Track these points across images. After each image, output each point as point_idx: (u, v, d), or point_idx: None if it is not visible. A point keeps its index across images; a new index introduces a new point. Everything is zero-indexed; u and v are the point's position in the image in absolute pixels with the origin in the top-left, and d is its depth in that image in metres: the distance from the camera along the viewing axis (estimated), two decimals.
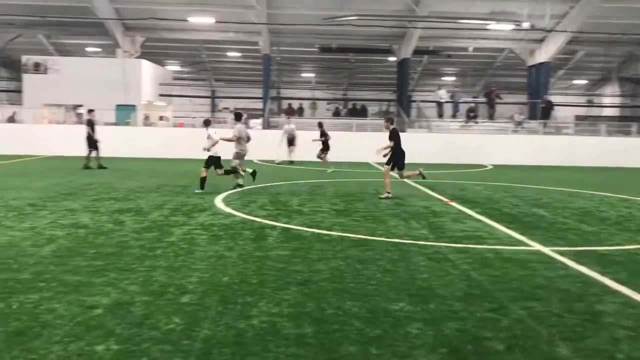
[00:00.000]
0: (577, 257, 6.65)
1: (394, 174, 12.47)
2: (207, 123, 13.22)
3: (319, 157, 19.98)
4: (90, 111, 18.68)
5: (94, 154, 17.82)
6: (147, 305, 4.54)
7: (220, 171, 12.69)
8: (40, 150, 24.22)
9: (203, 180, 12.28)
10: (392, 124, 12.39)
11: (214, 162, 12.44)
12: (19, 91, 31.64)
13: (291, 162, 21.70)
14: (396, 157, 12.04)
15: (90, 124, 18.16)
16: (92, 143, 17.83)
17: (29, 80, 28.97)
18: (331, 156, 24.60)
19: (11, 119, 28.59)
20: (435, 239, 7.59)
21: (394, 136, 12.04)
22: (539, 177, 18.66)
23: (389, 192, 11.85)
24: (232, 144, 12.94)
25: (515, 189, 14.36)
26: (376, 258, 6.35)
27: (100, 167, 17.59)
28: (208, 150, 12.38)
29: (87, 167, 17.49)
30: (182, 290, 4.95)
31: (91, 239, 7.00)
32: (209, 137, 12.37)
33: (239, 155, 12.99)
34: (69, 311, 4.35)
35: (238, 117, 13.76)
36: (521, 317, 4.49)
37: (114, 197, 11.01)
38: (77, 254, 6.21)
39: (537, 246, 7.26)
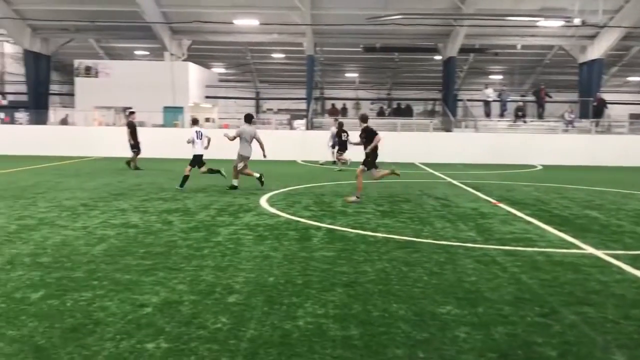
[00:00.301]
0: (633, 261, 6.41)
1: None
2: (194, 122, 13.78)
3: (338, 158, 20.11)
4: (131, 113, 19.12)
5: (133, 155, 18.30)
6: (195, 304, 4.61)
7: (203, 169, 13.15)
8: (92, 151, 24.96)
9: (185, 179, 12.73)
10: (365, 121, 11.83)
11: (197, 160, 12.94)
12: (71, 94, 32.76)
13: (334, 163, 21.60)
14: (372, 157, 11.49)
15: (131, 126, 18.60)
16: (134, 145, 18.27)
17: (80, 83, 29.93)
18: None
19: (64, 122, 29.59)
20: (484, 241, 7.45)
21: (370, 134, 11.43)
22: (591, 178, 18.08)
23: (358, 197, 11.15)
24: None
25: (567, 190, 13.96)
26: (422, 260, 6.27)
27: (137, 168, 18.00)
28: (206, 148, 13.15)
29: (136, 168, 17.94)
30: (228, 290, 5.01)
31: (141, 239, 7.16)
32: (198, 136, 12.99)
33: (240, 157, 12.81)
34: (120, 309, 4.46)
35: (247, 118, 13.36)
36: (574, 322, 4.35)
37: (163, 198, 11.24)
38: (128, 253, 6.36)
39: (590, 249, 7.04)
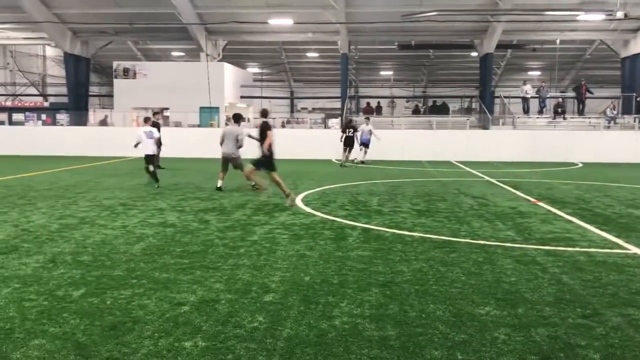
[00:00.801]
0: None
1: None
2: (145, 120, 14.57)
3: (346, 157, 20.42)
4: (155, 113, 19.31)
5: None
6: (231, 303, 4.64)
7: (151, 167, 13.53)
8: (130, 151, 25.38)
9: (152, 174, 13.39)
10: (265, 116, 11.32)
11: (148, 159, 13.49)
12: (110, 95, 33.49)
13: (362, 162, 21.46)
14: (266, 157, 10.59)
15: (155, 125, 18.80)
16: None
17: (119, 85, 30.56)
18: (411, 155, 24.32)
19: (103, 122, 30.24)
20: (523, 240, 7.30)
21: (264, 131, 10.67)
22: (635, 175, 17.55)
23: (287, 192, 10.45)
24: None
25: (609, 189, 13.58)
26: (460, 260, 6.18)
27: (159, 167, 18.19)
28: (159, 146, 14.18)
29: (159, 167, 18.18)
30: (265, 289, 5.03)
31: (178, 238, 7.26)
32: (148, 136, 13.53)
33: (222, 155, 12.62)
34: (158, 307, 4.52)
35: (235, 118, 12.92)
36: (618, 324, 4.22)
37: (199, 197, 11.37)
38: (165, 252, 6.45)
39: (634, 249, 6.82)
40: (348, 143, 20.27)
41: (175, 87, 28.96)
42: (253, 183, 11.43)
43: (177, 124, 28.41)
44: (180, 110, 27.84)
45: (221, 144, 12.71)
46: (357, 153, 21.20)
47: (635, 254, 6.60)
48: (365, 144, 21.15)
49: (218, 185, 12.57)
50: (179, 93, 28.79)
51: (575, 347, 3.80)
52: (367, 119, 23.15)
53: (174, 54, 37.41)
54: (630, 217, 9.31)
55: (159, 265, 5.82)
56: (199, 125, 28.23)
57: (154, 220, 8.54)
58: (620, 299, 4.85)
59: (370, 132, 21.28)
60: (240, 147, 12.62)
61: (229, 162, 12.68)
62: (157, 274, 5.51)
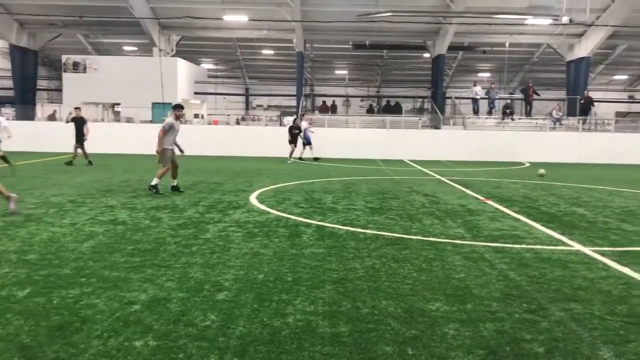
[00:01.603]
0: (620, 257, 6.47)
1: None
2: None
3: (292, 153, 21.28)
4: (76, 108, 18.86)
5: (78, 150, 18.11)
6: (183, 301, 4.59)
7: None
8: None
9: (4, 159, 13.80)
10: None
11: None
12: (59, 90, 32.49)
13: (315, 159, 21.87)
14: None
15: (79, 120, 18.38)
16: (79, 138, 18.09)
17: (68, 79, 29.70)
18: (366, 153, 24.58)
19: (52, 117, 29.34)
20: (472, 238, 7.48)
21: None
22: (578, 175, 18.23)
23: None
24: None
25: (554, 187, 14.06)
26: (412, 257, 6.29)
27: (70, 163, 17.82)
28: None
29: (90, 163, 17.82)
30: (217, 287, 4.99)
31: (129, 236, 7.12)
32: None
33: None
34: (108, 306, 4.43)
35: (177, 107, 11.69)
36: (561, 319, 4.39)
37: (151, 194, 11.17)
38: (116, 250, 6.32)
39: (577, 246, 7.09)
40: (292, 141, 21.43)
41: (127, 82, 28.36)
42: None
43: (129, 120, 27.83)
44: (132, 106, 27.29)
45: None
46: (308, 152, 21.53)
47: (578, 250, 6.86)
48: (308, 142, 21.89)
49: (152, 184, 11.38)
50: (131, 88, 28.21)
51: (521, 341, 3.93)
52: (302, 115, 23.62)
53: (126, 48, 36.58)
54: (574, 215, 9.67)
55: (109, 264, 5.70)
56: (151, 121, 27.72)
57: (104, 218, 8.35)
58: (563, 294, 5.03)
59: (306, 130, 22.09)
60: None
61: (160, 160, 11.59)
62: (107, 272, 5.39)
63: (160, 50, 29.68)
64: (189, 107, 32.15)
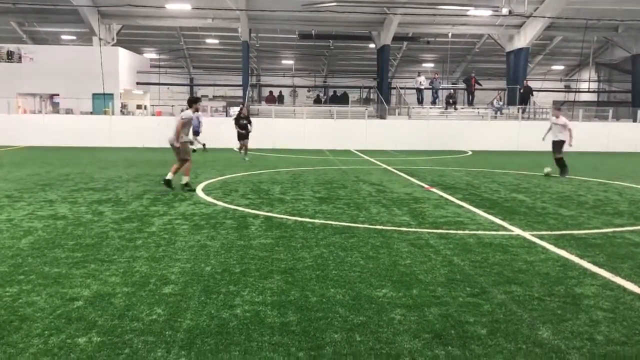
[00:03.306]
0: (557, 241, 6.74)
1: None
2: None
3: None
4: None
5: None
6: (128, 296, 4.50)
7: None
8: (16, 140, 23.82)
9: None
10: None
11: None
12: None
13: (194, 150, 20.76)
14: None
15: None
16: None
17: (2, 69, 28.37)
18: (313, 143, 24.61)
19: None
20: (417, 225, 7.63)
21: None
22: (518, 162, 18.85)
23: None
24: None
25: (495, 175, 14.49)
26: (359, 245, 6.36)
27: None
28: None
29: None
30: (163, 281, 4.91)
31: (70, 230, 6.90)
32: None
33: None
34: (49, 303, 4.29)
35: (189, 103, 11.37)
36: (503, 301, 4.53)
37: (93, 188, 10.87)
38: (56, 245, 6.12)
39: (517, 231, 7.34)
40: (241, 136, 19.51)
41: (66, 73, 27.37)
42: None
43: (69, 111, 26.90)
44: (72, 97, 26.38)
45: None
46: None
47: (518, 235, 7.11)
48: (195, 132, 20.39)
49: (166, 178, 10.81)
50: (70, 79, 27.26)
51: (465, 324, 4.04)
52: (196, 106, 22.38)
53: (64, 37, 35.25)
54: (514, 201, 9.99)
55: (49, 260, 5.51)
56: (91, 113, 26.90)
57: (43, 213, 8.06)
58: (504, 277, 5.21)
59: (198, 120, 20.88)
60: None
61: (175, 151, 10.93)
62: (47, 268, 5.22)
63: (100, 39, 28.76)
64: (131, 98, 31.39)
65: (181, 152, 10.73)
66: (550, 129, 14.70)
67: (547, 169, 14.36)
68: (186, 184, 10.75)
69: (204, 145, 21.26)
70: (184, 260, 5.59)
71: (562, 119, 14.39)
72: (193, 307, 4.28)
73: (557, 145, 14.35)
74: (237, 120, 18.65)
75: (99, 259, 5.58)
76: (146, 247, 6.10)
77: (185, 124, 10.73)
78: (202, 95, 42.49)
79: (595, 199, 10.41)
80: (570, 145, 14.16)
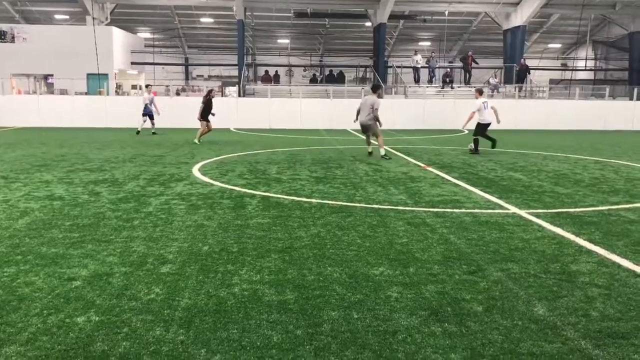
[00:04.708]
0: (553, 219, 6.76)
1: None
2: None
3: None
4: None
5: None
6: (126, 276, 4.51)
7: None
8: (10, 121, 23.68)
9: None
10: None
11: None
12: None
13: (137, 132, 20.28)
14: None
15: None
16: None
17: None
18: (310, 123, 24.53)
19: None
20: (414, 204, 7.64)
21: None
22: (515, 141, 18.85)
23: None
24: None
25: (492, 153, 14.50)
26: (356, 224, 6.38)
27: None
28: None
29: None
30: (161, 261, 4.92)
31: (67, 211, 6.90)
32: None
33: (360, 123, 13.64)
34: (47, 283, 4.30)
35: (373, 89, 14.26)
36: (499, 278, 4.56)
37: (89, 168, 10.84)
38: (53, 226, 6.12)
39: (513, 209, 7.36)
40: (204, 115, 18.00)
41: (60, 53, 27.15)
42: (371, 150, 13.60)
43: (63, 92, 26.72)
44: (66, 77, 26.17)
45: (358, 112, 13.64)
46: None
47: (515, 213, 7.13)
48: (148, 114, 20.02)
49: (369, 151, 13.79)
50: (64, 59, 27.04)
51: (461, 301, 4.07)
52: (147, 87, 21.84)
53: (57, 17, 34.86)
54: (511, 179, 10.01)
55: (46, 240, 5.51)
56: (86, 93, 26.72)
57: (40, 194, 8.05)
58: (500, 255, 5.24)
59: (151, 102, 20.15)
60: (374, 115, 13.26)
61: (366, 129, 13.58)
62: (45, 249, 5.22)
63: (93, 19, 28.43)
64: (126, 78, 31.16)
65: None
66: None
67: (470, 145, 14.88)
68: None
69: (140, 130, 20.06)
70: (182, 240, 5.60)
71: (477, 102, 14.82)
72: (191, 286, 4.30)
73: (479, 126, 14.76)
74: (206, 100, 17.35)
75: (96, 239, 5.58)
76: (143, 227, 6.11)
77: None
78: (198, 76, 42.25)
79: (591, 177, 10.43)
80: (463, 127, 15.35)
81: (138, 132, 20.04)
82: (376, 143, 13.60)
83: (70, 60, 26.87)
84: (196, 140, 16.64)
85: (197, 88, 33.22)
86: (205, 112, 17.08)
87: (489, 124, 14.60)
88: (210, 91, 17.76)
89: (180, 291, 4.18)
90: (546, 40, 41.37)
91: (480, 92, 15.42)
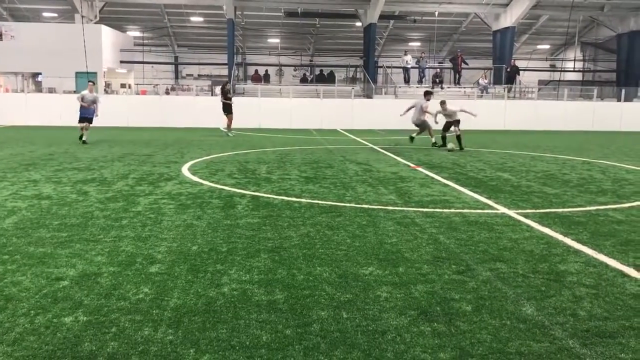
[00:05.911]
0: (541, 219, 6.81)
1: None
2: None
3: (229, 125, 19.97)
4: None
5: None
6: (114, 275, 4.48)
7: None
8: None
9: None
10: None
11: None
12: None
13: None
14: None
15: None
16: None
17: None
18: (300, 123, 24.52)
19: None
20: (403, 204, 7.66)
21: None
22: (504, 141, 18.95)
23: None
24: None
25: (481, 154, 14.57)
26: (345, 224, 6.38)
27: None
28: None
29: None
30: (150, 260, 4.90)
31: (55, 210, 6.85)
32: None
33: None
34: (34, 283, 4.26)
35: (425, 94, 17.00)
36: (488, 278, 4.58)
37: (77, 167, 10.77)
38: (41, 225, 6.07)
39: (502, 209, 7.40)
40: (227, 110, 19.86)
41: (48, 51, 26.95)
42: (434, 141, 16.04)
43: (51, 90, 26.52)
44: (54, 76, 25.99)
45: (407, 110, 16.86)
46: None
47: (504, 213, 7.17)
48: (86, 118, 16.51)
49: (433, 141, 16.46)
50: (53, 57, 26.84)
51: (450, 300, 4.08)
52: (91, 82, 17.90)
53: (46, 14, 34.57)
54: (499, 179, 10.07)
55: (34, 240, 5.47)
56: (75, 92, 26.52)
57: (27, 193, 7.98)
58: (489, 255, 5.26)
59: (94, 102, 16.51)
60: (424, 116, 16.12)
61: (418, 126, 16.34)
62: (32, 248, 5.18)
63: (82, 16, 28.25)
64: (115, 77, 30.99)
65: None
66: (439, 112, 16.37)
67: (450, 145, 15.74)
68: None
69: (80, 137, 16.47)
70: (170, 240, 5.58)
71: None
72: (180, 285, 4.28)
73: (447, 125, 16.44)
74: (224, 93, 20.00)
75: (84, 239, 5.54)
76: (132, 227, 6.08)
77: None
78: (187, 75, 42.06)
79: (579, 177, 10.51)
80: (436, 122, 16.61)
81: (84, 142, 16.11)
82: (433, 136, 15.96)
83: (58, 59, 26.69)
84: (230, 133, 19.29)
85: (187, 87, 33.11)
86: (227, 106, 19.61)
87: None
88: (223, 87, 19.54)
89: (169, 291, 4.16)
90: (535, 41, 41.61)
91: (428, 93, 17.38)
